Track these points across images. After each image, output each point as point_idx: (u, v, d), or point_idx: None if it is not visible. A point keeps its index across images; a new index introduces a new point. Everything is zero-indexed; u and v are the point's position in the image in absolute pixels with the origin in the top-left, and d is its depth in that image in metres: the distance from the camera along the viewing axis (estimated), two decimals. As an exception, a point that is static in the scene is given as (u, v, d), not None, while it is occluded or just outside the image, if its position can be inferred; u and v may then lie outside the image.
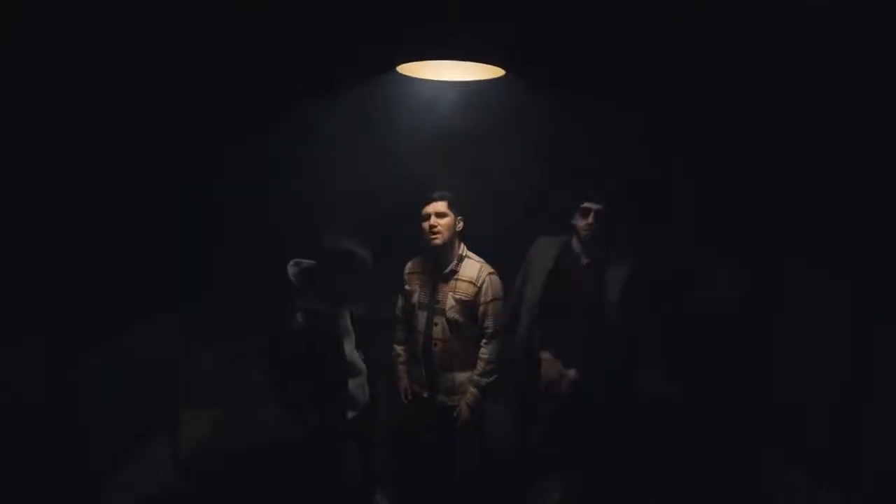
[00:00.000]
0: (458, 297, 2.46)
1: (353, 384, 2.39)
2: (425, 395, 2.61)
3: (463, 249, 2.51)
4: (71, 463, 2.48)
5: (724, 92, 2.69)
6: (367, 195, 3.06)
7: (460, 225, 2.48)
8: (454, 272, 2.48)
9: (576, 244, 2.66)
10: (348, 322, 2.38)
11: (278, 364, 2.22)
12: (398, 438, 2.96)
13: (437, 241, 2.41)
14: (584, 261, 2.65)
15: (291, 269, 2.21)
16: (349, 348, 2.37)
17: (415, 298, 2.56)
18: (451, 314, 2.47)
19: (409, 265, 2.64)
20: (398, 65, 2.23)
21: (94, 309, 2.58)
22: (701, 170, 3.01)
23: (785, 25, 2.34)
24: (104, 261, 2.70)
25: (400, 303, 2.68)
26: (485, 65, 2.19)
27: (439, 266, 2.50)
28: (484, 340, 2.52)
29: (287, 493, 2.79)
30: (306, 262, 2.26)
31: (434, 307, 2.50)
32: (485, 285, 2.46)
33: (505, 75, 2.29)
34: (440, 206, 2.41)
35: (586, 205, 2.56)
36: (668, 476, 2.81)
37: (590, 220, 2.55)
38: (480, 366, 2.52)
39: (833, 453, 2.58)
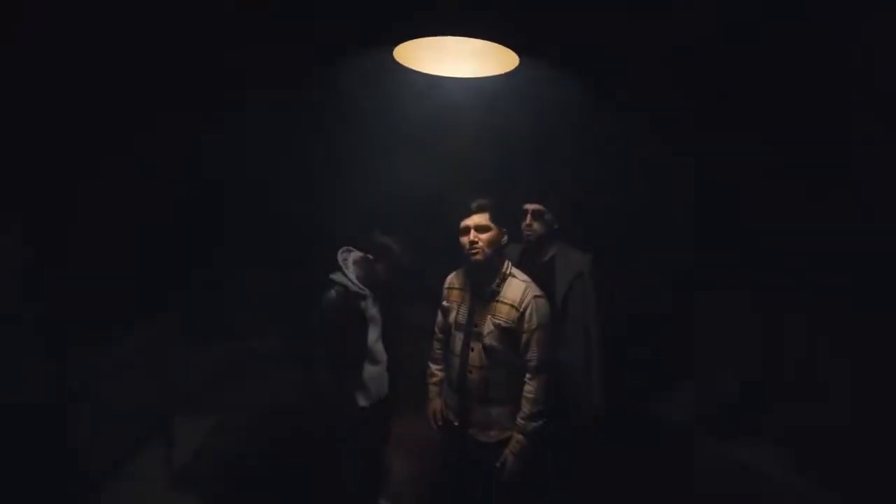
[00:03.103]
0: (497, 321, 2.15)
1: (369, 371, 2.45)
2: (456, 423, 2.30)
3: (507, 267, 2.22)
4: (67, 467, 2.47)
5: (724, 92, 2.68)
6: (373, 196, 3.03)
7: (505, 239, 2.21)
8: (495, 293, 2.18)
9: (528, 248, 2.51)
10: (375, 311, 2.48)
11: (311, 331, 2.44)
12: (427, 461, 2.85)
13: (478, 258, 2.14)
14: (536, 263, 2.46)
15: (342, 254, 2.49)
16: (374, 336, 2.47)
17: (452, 317, 2.29)
18: (489, 340, 2.16)
19: (448, 278, 2.39)
20: (397, 44, 2.10)
21: (92, 310, 2.56)
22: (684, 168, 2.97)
23: (785, 26, 2.32)
24: (103, 261, 2.70)
25: (439, 318, 2.43)
26: (491, 59, 2.14)
27: (479, 284, 2.22)
28: (528, 375, 2.15)
29: (287, 498, 2.77)
30: (356, 251, 2.53)
31: (471, 330, 2.21)
32: (529, 310, 2.12)
33: (510, 71, 2.24)
34: (481, 218, 2.16)
35: (524, 206, 2.44)
36: (664, 478, 2.80)
37: (527, 220, 2.42)
38: (526, 408, 2.13)
39: (837, 456, 2.57)
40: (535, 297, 2.15)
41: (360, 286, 2.42)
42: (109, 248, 2.73)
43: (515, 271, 2.24)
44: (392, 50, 2.15)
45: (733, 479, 2.82)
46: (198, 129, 2.91)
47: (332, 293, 2.38)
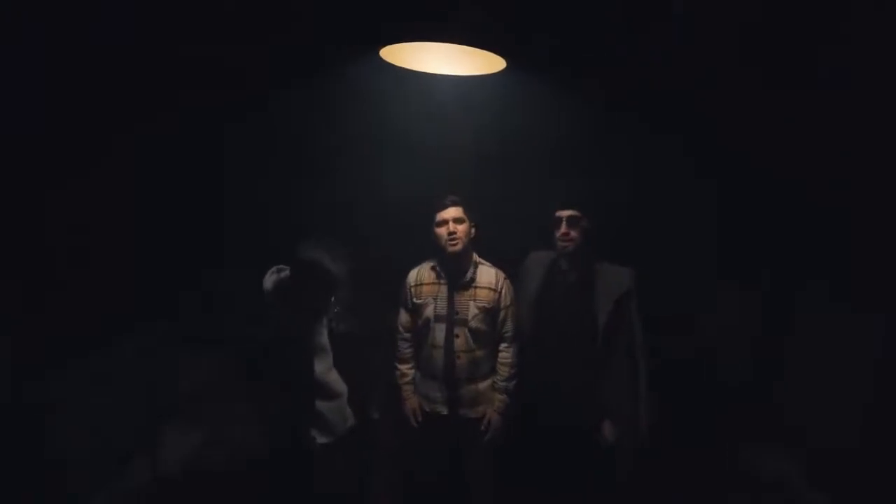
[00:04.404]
0: (480, 305, 2.39)
1: (325, 406, 2.26)
2: (445, 412, 2.47)
3: (475, 256, 2.46)
4: (52, 477, 2.39)
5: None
6: (360, 200, 2.95)
7: (473, 231, 2.41)
8: (472, 280, 2.41)
9: (562, 260, 2.43)
10: (324, 339, 2.27)
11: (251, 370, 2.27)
12: (410, 460, 2.77)
13: (457, 249, 2.33)
14: (571, 278, 2.41)
15: (269, 276, 2.19)
16: (322, 367, 2.25)
17: (429, 311, 2.42)
18: (475, 323, 2.38)
19: (413, 276, 2.50)
20: (384, 45, 2.04)
21: (83, 316, 2.49)
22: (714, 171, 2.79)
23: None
24: (94, 267, 2.63)
25: (403, 318, 2.53)
26: (481, 57, 2.08)
27: (456, 275, 2.42)
28: (504, 344, 2.46)
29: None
30: (286, 270, 2.23)
31: (454, 318, 2.39)
32: (503, 290, 2.42)
33: (502, 70, 2.17)
34: (456, 211, 2.35)
35: (557, 213, 2.34)
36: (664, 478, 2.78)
37: (563, 228, 2.32)
38: (505, 371, 2.45)
39: (830, 453, 2.58)
40: (504, 278, 2.45)
41: (292, 316, 2.15)
42: (101, 254, 2.65)
43: (481, 259, 2.47)
44: (378, 49, 2.08)
45: (737, 484, 2.81)
46: (186, 133, 2.84)
47: (264, 328, 2.18)
